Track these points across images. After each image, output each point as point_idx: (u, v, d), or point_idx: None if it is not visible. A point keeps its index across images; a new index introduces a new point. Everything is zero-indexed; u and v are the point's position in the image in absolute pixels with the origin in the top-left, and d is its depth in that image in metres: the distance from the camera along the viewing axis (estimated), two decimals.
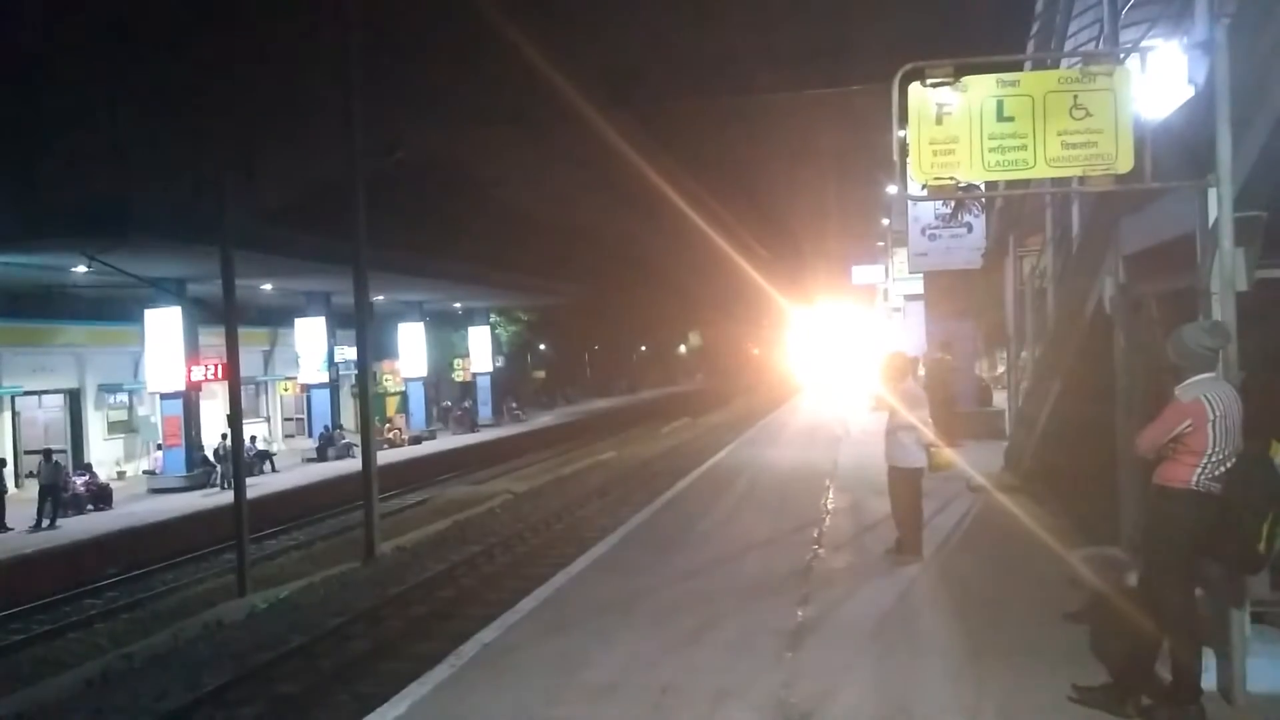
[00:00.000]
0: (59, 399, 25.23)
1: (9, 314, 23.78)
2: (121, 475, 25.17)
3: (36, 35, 19.47)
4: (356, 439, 22.31)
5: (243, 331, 17.70)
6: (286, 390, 33.44)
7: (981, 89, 5.16)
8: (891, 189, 23.17)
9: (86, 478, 20.85)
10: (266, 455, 26.22)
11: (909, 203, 15.64)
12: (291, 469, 26.34)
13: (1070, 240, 10.04)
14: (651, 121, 28.98)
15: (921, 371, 16.47)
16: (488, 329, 42.80)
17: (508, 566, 15.04)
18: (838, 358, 41.77)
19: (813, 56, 22.60)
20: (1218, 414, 4.31)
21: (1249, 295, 4.75)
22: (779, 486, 13.38)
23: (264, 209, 23.09)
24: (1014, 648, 5.79)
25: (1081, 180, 5.22)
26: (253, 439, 25.61)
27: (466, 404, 38.91)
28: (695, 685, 5.41)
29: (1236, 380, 4.60)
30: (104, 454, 25.31)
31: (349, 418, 31.96)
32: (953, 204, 14.79)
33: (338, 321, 30.54)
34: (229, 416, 16.49)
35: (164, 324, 23.58)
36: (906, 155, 5.30)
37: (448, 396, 40.94)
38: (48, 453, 20.06)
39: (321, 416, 31.01)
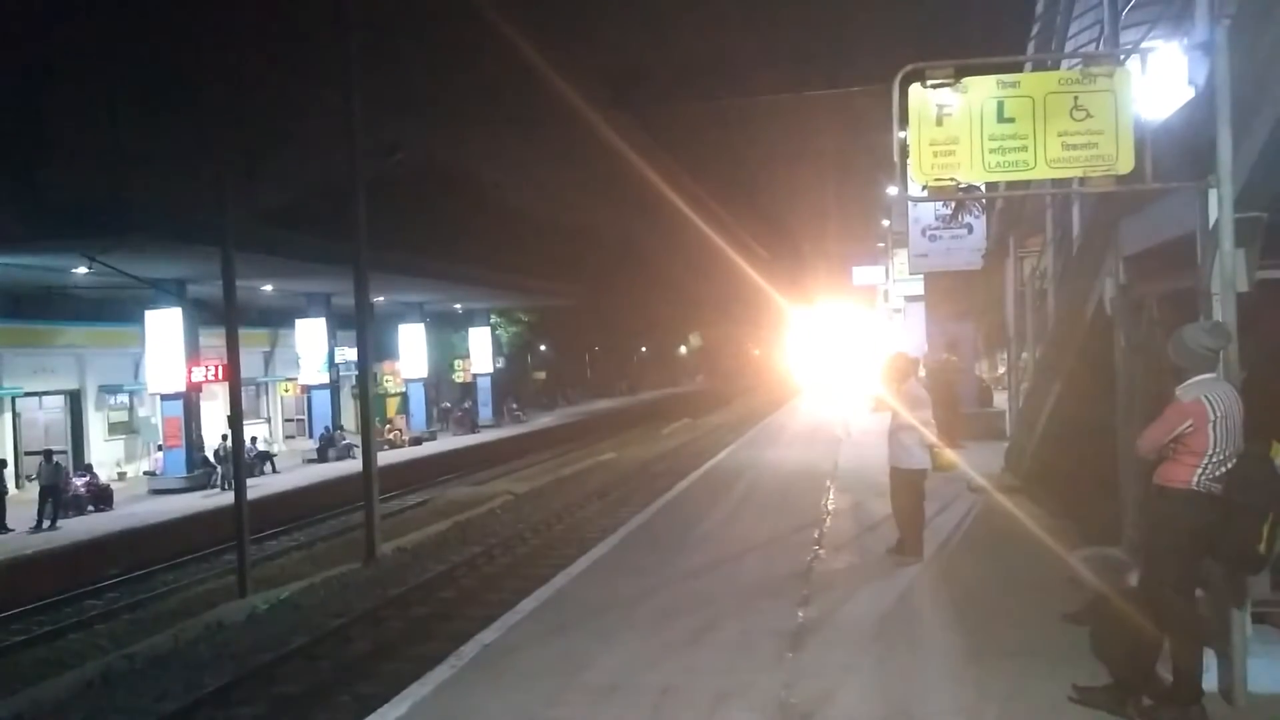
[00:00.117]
0: (59, 400, 25.23)
1: (10, 315, 23.79)
2: (122, 476, 25.18)
3: (37, 36, 19.49)
4: (357, 440, 22.31)
5: (243, 332, 17.69)
6: (287, 391, 33.45)
7: (982, 90, 5.16)
8: (892, 190, 23.19)
9: (87, 479, 20.84)
10: (267, 456, 26.22)
11: (909, 204, 15.66)
12: (292, 470, 26.33)
13: (1071, 241, 10.05)
14: (652, 123, 29.02)
15: (922, 372, 16.46)
16: (488, 330, 42.80)
17: (508, 567, 15.04)
18: (838, 359, 41.74)
19: (813, 58, 22.64)
20: (1218, 414, 4.31)
21: (1249, 296, 4.75)
22: (780, 487, 13.38)
23: (265, 210, 23.11)
24: (1014, 648, 5.79)
25: (1082, 181, 5.22)
26: (253, 440, 25.61)
27: (467, 405, 38.91)
28: (695, 686, 5.41)
29: (1237, 381, 4.60)
30: (104, 455, 25.31)
31: (349, 419, 31.96)
32: (953, 205, 14.79)
33: (338, 322, 30.54)
34: (230, 417, 16.51)
35: (164, 325, 23.57)
36: (907, 156, 5.29)
37: (448, 397, 40.94)
38: (48, 454, 20.05)
39: (322, 417, 31.00)
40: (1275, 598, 5.08)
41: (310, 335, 30.52)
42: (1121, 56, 5.77)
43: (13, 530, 18.10)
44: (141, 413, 27.06)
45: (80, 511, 19.70)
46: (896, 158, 5.56)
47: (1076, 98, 5.07)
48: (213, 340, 23.03)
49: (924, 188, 5.41)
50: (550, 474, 26.43)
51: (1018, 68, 5.91)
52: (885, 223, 30.08)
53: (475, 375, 40.74)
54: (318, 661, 10.64)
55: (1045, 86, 5.17)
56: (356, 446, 23.49)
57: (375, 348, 24.48)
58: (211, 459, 23.52)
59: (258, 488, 20.90)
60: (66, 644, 12.74)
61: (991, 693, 5.11)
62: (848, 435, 19.52)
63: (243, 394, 17.09)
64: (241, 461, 15.87)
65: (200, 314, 23.86)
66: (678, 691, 5.35)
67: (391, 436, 30.91)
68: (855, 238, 39.84)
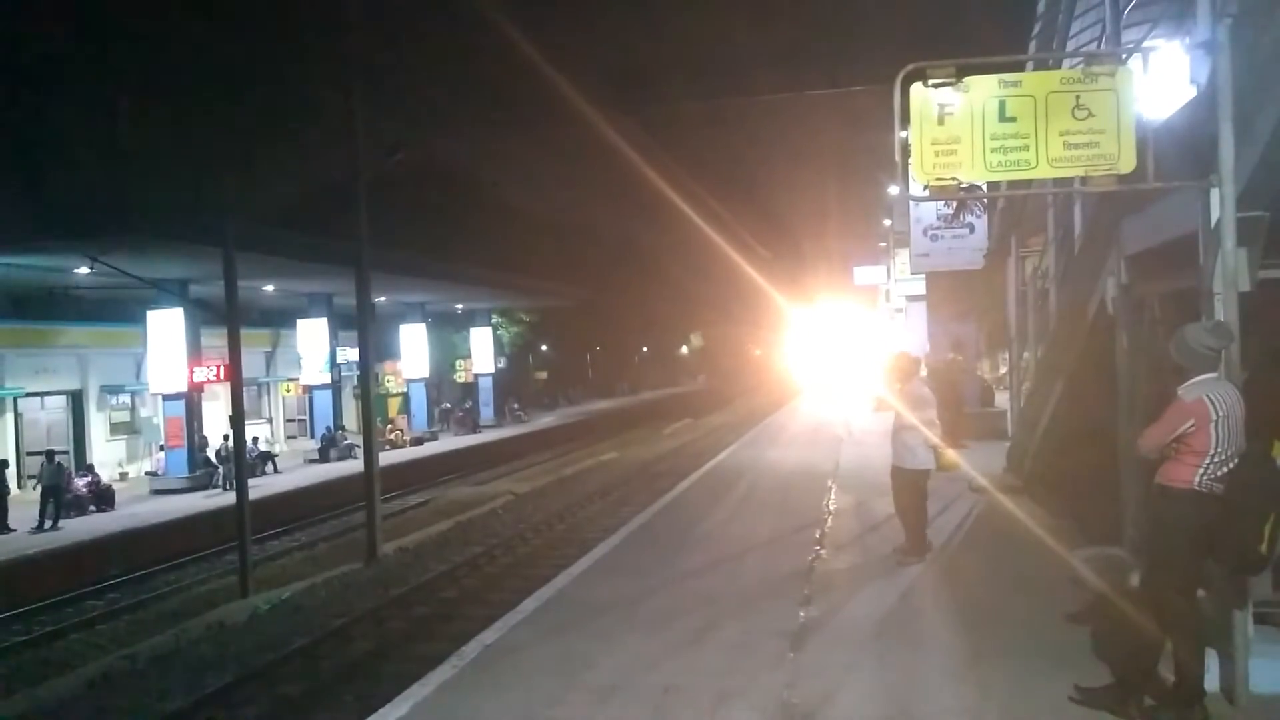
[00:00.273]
0: (61, 400, 25.25)
1: (12, 315, 23.82)
2: (124, 476, 25.20)
3: (39, 36, 19.48)
4: (358, 440, 22.32)
5: (245, 333, 17.70)
6: (289, 391, 33.47)
7: (983, 89, 5.15)
8: (893, 189, 23.16)
9: (89, 479, 20.84)
10: (269, 456, 26.23)
11: (911, 203, 15.67)
12: (294, 470, 26.34)
13: (1072, 240, 10.04)
14: (653, 122, 28.98)
15: (924, 372, 16.46)
16: (489, 330, 42.82)
17: (509, 567, 15.05)
18: (840, 359, 41.74)
19: (814, 57, 22.62)
20: (1220, 414, 4.31)
21: (1251, 295, 4.74)
22: (781, 487, 13.38)
23: (266, 210, 23.09)
24: (1016, 648, 5.79)
25: (1084, 180, 5.21)
26: (255, 440, 25.62)
27: (468, 405, 38.93)
28: (697, 686, 5.41)
29: (1239, 380, 4.59)
30: (106, 455, 25.34)
31: (351, 419, 31.99)
32: (955, 204, 14.79)
33: (340, 323, 30.57)
34: (231, 417, 16.53)
35: (166, 325, 23.60)
36: (908, 156, 5.29)
37: (449, 397, 40.96)
38: (50, 454, 20.05)
39: (323, 417, 31.02)
40: (1277, 598, 5.06)
41: (312, 335, 30.54)
42: (1123, 55, 5.75)
43: (15, 531, 18.12)
44: (143, 413, 27.08)
45: (82, 512, 19.71)
46: (898, 157, 5.56)
47: (1078, 97, 5.06)
48: (214, 340, 23.06)
49: (925, 187, 5.40)
50: (551, 474, 26.44)
51: (1019, 67, 5.91)
52: (887, 222, 30.07)
53: (476, 375, 40.76)
54: (319, 662, 10.65)
55: (1047, 86, 5.17)
56: (358, 447, 23.51)
57: (377, 348, 24.49)
58: (213, 459, 23.54)
59: (259, 488, 20.90)
60: (68, 644, 12.77)
61: (993, 693, 5.11)
62: (849, 435, 19.52)
63: (244, 394, 17.10)
64: (243, 462, 15.88)
65: (202, 314, 23.87)
66: (679, 691, 5.35)
67: (393, 437, 30.92)
68: (856, 237, 39.80)
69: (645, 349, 75.47)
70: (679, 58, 23.72)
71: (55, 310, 24.64)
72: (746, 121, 31.19)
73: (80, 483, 20.44)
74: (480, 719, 5.21)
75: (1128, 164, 5.02)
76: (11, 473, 19.97)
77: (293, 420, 35.06)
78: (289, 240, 22.34)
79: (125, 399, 26.94)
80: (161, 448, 24.53)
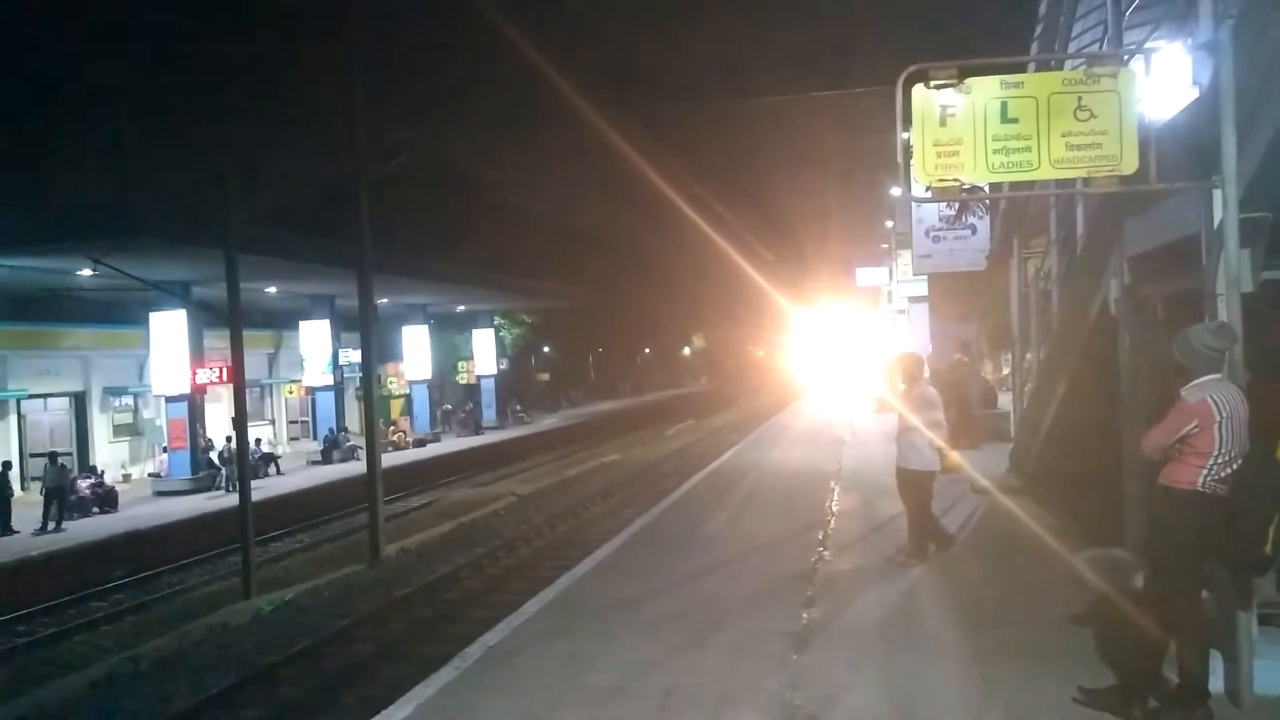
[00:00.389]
0: (64, 402, 25.29)
1: (15, 317, 23.84)
2: (127, 478, 25.23)
3: (42, 39, 19.54)
4: (361, 441, 22.31)
5: (247, 334, 17.72)
6: (291, 393, 33.50)
7: (985, 90, 5.15)
8: (895, 191, 23.15)
9: (92, 480, 20.88)
10: (271, 458, 26.24)
11: (913, 205, 15.65)
12: (296, 471, 26.35)
13: (1075, 242, 10.03)
14: (655, 124, 29.03)
15: (926, 373, 16.45)
16: (492, 331, 42.83)
17: (512, 569, 15.05)
18: (842, 360, 41.70)
19: (816, 59, 22.63)
20: (1224, 415, 4.30)
21: (1254, 296, 4.74)
22: (783, 489, 13.37)
23: (268, 212, 23.15)
24: (1019, 650, 5.78)
25: (1086, 182, 5.22)
26: (258, 442, 25.63)
27: (470, 406, 38.93)
28: (700, 688, 5.41)
29: (1242, 381, 4.59)
30: (109, 457, 25.36)
31: (354, 420, 32.02)
32: (957, 206, 14.79)
33: (342, 324, 30.58)
34: (234, 419, 16.53)
35: (169, 327, 23.62)
36: (910, 157, 5.29)
37: (452, 399, 40.97)
38: (53, 455, 20.09)
39: (326, 419, 31.04)
40: None
41: (314, 337, 30.56)
42: (1125, 57, 5.76)
43: (18, 532, 18.15)
44: (146, 415, 27.10)
45: (85, 513, 19.74)
46: (900, 158, 5.56)
47: (1080, 98, 5.06)
48: (217, 342, 23.09)
49: (928, 188, 5.41)
50: (554, 475, 26.44)
51: (1021, 68, 5.91)
52: (889, 224, 30.03)
53: (479, 377, 40.78)
54: (322, 663, 10.65)
55: (1049, 87, 5.17)
56: (361, 448, 23.48)
57: (379, 349, 24.46)
58: (216, 461, 23.56)
59: (262, 489, 20.89)
60: (72, 645, 12.79)
61: (997, 694, 5.11)
62: (852, 436, 19.51)
63: (247, 396, 17.11)
64: (246, 463, 15.89)
65: (204, 316, 23.89)
66: (682, 693, 5.34)
67: (395, 438, 30.94)
68: (858, 239, 39.78)
69: (648, 350, 75.47)
70: (682, 60, 23.74)
71: (58, 312, 24.67)
72: (749, 123, 31.23)
73: (83, 484, 20.47)
74: None
75: (1130, 165, 5.02)
76: (15, 474, 20.01)
77: (295, 422, 35.08)
78: (291, 242, 22.39)
79: (128, 401, 26.97)
80: (164, 449, 24.56)
